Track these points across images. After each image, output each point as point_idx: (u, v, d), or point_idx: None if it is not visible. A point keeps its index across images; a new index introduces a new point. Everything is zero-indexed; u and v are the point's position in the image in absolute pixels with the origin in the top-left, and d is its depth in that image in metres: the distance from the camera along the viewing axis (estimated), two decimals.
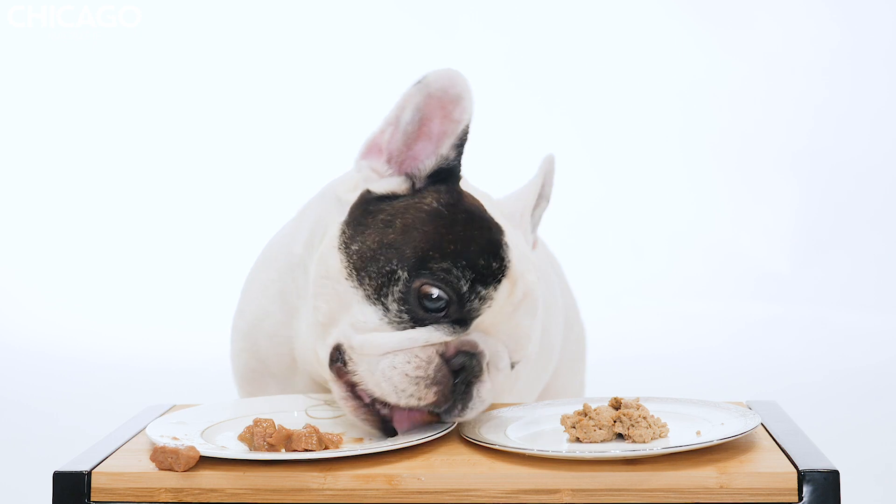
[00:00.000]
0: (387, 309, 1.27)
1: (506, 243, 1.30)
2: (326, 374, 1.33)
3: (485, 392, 1.29)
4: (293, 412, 1.39)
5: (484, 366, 1.28)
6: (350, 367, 1.29)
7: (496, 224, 1.32)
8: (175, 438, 1.24)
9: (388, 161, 1.35)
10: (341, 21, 4.05)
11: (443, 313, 1.26)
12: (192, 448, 1.18)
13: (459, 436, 1.29)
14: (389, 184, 1.34)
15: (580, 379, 1.99)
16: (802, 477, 1.13)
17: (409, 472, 1.16)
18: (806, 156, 4.02)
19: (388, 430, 1.29)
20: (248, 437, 1.24)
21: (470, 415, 1.29)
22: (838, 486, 1.13)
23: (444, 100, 1.31)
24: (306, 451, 1.19)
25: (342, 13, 4.06)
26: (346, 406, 1.30)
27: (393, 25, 4.03)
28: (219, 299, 2.54)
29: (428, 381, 1.25)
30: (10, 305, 3.66)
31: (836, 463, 1.16)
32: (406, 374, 1.25)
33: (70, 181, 3.96)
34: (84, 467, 1.18)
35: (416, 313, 1.26)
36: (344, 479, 1.16)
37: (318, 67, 3.97)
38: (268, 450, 1.21)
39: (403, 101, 1.33)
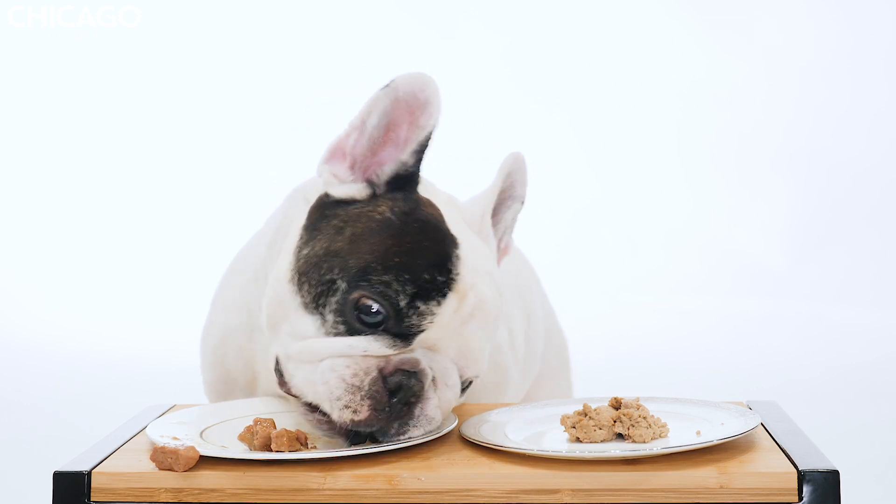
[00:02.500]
0: (324, 319, 1.23)
1: (457, 256, 1.24)
2: (280, 389, 1.30)
3: (430, 409, 1.24)
4: (293, 412, 1.38)
5: (428, 383, 1.23)
6: (286, 377, 1.26)
7: (451, 235, 1.27)
8: (175, 438, 1.24)
9: (352, 167, 1.31)
10: (341, 21, 4.05)
11: (381, 327, 1.21)
12: (192, 448, 1.18)
13: (459, 436, 1.29)
14: (349, 189, 1.30)
15: (566, 389, 1.96)
16: (802, 477, 1.13)
17: (409, 472, 1.16)
18: (804, 155, 4.03)
19: (353, 438, 1.24)
20: (248, 437, 1.25)
21: (416, 434, 1.23)
22: (838, 486, 1.13)
23: (412, 105, 1.27)
24: (278, 451, 1.20)
25: (342, 13, 4.07)
26: (307, 419, 1.26)
27: (393, 25, 4.03)
28: None
29: (363, 393, 1.20)
30: (10, 305, 3.66)
31: (836, 462, 1.16)
32: (343, 380, 1.20)
33: (70, 181, 3.96)
34: (84, 467, 1.18)
35: (353, 325, 1.21)
36: (344, 479, 1.16)
37: (318, 68, 3.97)
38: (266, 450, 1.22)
39: (370, 105, 1.28)
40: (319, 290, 1.24)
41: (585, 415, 1.25)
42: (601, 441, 1.24)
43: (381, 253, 1.22)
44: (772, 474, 1.14)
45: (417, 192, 1.31)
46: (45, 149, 3.99)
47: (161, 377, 3.07)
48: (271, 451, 1.20)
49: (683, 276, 3.87)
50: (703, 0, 4.14)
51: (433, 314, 1.21)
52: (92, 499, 1.17)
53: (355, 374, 1.20)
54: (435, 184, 1.39)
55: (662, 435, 1.23)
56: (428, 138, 1.28)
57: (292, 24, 4.05)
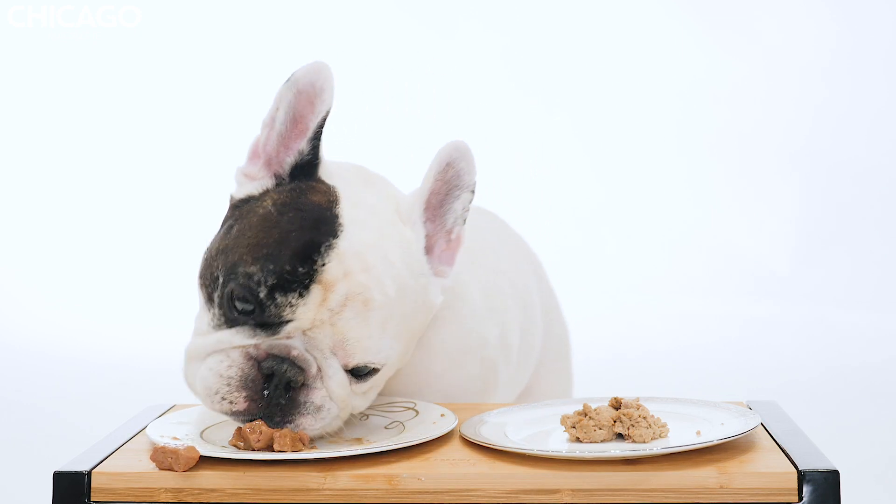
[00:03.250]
0: (213, 314, 1.27)
1: (330, 245, 1.24)
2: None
3: (317, 398, 1.24)
4: None
5: (312, 371, 1.23)
6: (185, 375, 1.29)
7: (331, 223, 1.26)
8: (175, 438, 1.24)
9: (267, 164, 1.33)
10: (341, 21, 4.05)
11: (251, 317, 1.23)
12: (192, 448, 1.18)
13: (459, 436, 1.29)
14: (249, 187, 1.33)
15: (566, 379, 1.95)
16: (802, 477, 1.13)
17: (409, 472, 1.16)
18: (806, 155, 4.02)
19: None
20: (241, 439, 1.24)
21: (305, 424, 1.24)
22: (838, 486, 1.13)
23: (311, 95, 1.30)
24: (280, 451, 1.20)
25: (342, 13, 4.06)
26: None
27: (393, 26, 4.03)
28: None
29: (238, 384, 1.22)
30: (10, 305, 3.65)
31: (836, 462, 1.16)
32: (220, 375, 1.23)
33: (70, 181, 3.96)
34: (84, 467, 1.18)
35: (230, 317, 1.25)
36: (344, 479, 1.16)
37: None
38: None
39: (276, 100, 1.32)
40: (210, 287, 1.28)
41: (585, 415, 1.25)
42: (601, 441, 1.23)
43: (253, 246, 1.25)
44: (772, 474, 1.14)
45: (313, 181, 1.31)
46: (45, 149, 3.99)
47: (161, 377, 3.07)
48: (273, 450, 1.20)
49: (685, 278, 3.87)
50: (704, 1, 4.13)
51: (293, 306, 1.22)
52: (92, 499, 1.17)
53: (230, 367, 1.23)
54: (385, 177, 1.39)
55: (662, 435, 1.23)
56: (321, 125, 1.30)
57: (292, 24, 4.05)
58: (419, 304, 1.33)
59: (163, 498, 1.16)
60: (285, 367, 1.22)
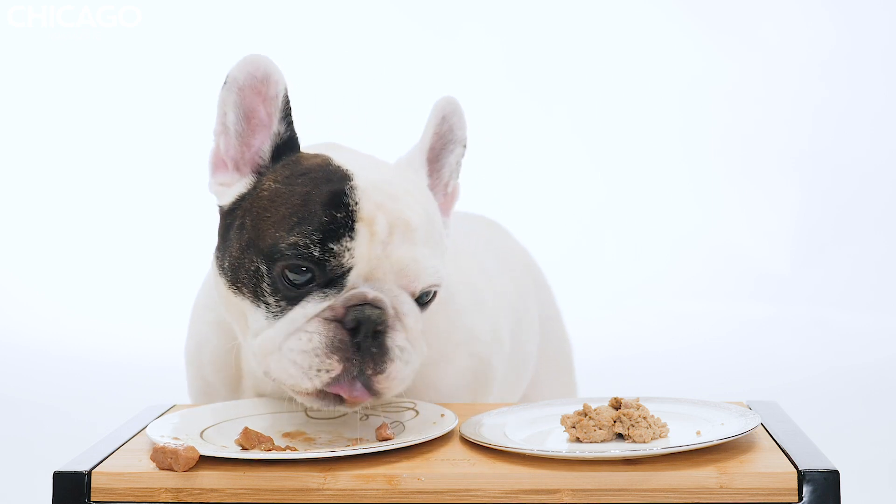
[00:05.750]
0: (267, 305, 1.26)
1: (351, 187, 1.26)
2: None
3: (401, 340, 1.26)
4: (293, 412, 1.39)
5: (390, 313, 1.25)
6: (268, 371, 1.27)
7: (340, 171, 1.29)
8: (175, 438, 1.24)
9: (236, 168, 1.35)
10: (342, 22, 4.05)
11: (313, 284, 1.24)
12: (192, 448, 1.18)
13: (459, 436, 1.29)
14: (234, 190, 1.35)
15: (568, 392, 1.95)
16: (802, 477, 1.13)
17: (409, 472, 1.16)
18: (806, 157, 4.03)
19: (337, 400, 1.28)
20: (248, 441, 1.24)
21: (395, 370, 1.25)
22: (838, 486, 1.13)
23: (255, 86, 1.31)
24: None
25: (343, 14, 4.07)
26: (306, 401, 1.28)
27: (393, 27, 4.03)
28: None
29: (326, 350, 1.22)
30: (11, 305, 3.66)
31: (836, 462, 1.16)
32: (303, 352, 1.23)
33: (70, 181, 3.96)
34: (84, 467, 1.18)
35: (290, 295, 1.25)
36: (344, 479, 1.16)
37: (319, 68, 3.97)
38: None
39: (221, 106, 1.33)
40: (252, 283, 1.27)
41: (585, 415, 1.25)
42: (601, 441, 1.24)
43: (280, 221, 1.26)
44: (772, 474, 1.14)
45: (299, 153, 1.34)
46: (45, 148, 3.99)
47: (161, 376, 3.07)
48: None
49: (687, 279, 3.87)
50: (703, 2, 4.14)
51: (349, 249, 1.23)
52: (92, 499, 1.17)
53: (310, 340, 1.23)
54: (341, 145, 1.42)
55: (662, 435, 1.23)
56: (286, 102, 1.33)
57: (293, 25, 4.05)
58: (442, 234, 1.36)
59: (163, 498, 1.16)
60: (367, 311, 1.23)
